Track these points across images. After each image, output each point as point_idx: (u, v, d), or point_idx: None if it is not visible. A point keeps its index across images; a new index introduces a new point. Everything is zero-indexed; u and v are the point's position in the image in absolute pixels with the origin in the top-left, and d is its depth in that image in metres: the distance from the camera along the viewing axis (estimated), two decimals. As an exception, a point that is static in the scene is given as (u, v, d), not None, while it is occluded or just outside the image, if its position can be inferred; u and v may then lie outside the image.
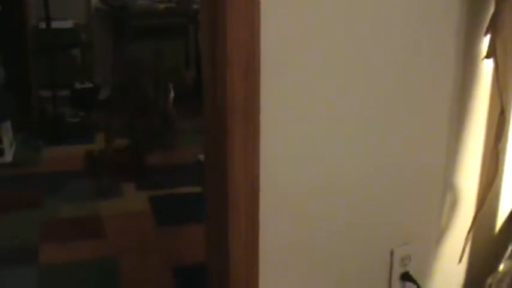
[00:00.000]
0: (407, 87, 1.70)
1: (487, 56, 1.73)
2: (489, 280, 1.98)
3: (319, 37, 1.53)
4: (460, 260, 1.95)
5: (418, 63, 1.69)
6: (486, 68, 1.81)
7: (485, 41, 1.74)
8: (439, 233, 1.92)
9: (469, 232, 1.89)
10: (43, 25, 5.06)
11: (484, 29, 1.72)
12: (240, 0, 1.39)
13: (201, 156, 4.22)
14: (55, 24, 5.07)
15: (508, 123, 1.83)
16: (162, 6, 5.79)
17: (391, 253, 1.83)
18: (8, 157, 4.19)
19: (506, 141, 1.88)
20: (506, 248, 1.99)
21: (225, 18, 1.39)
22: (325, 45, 1.55)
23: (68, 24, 5.71)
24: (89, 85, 5.59)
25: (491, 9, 1.69)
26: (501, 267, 1.98)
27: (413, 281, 1.87)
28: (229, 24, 1.39)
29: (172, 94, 4.57)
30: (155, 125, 4.50)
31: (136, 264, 2.94)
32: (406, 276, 1.87)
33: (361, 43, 1.59)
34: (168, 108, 4.62)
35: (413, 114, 1.73)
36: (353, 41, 1.58)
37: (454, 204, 1.91)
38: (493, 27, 1.68)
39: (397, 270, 1.86)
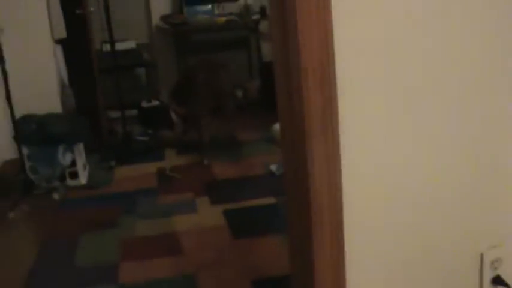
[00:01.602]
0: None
1: None
2: None
3: (393, 38, 1.49)
4: (555, 260, 1.86)
5: (496, 46, 1.62)
6: None
7: None
8: (530, 233, 1.84)
9: (563, 230, 1.80)
10: (107, 47, 5.17)
11: None
12: (311, 6, 1.36)
13: (273, 167, 4.23)
14: (118, 46, 5.19)
15: None
16: (222, 19, 5.85)
17: (481, 257, 1.77)
18: (83, 179, 4.29)
19: None
20: None
21: (296, 24, 1.37)
22: (402, 44, 1.50)
23: (131, 44, 5.84)
24: (155, 103, 5.68)
25: None
26: None
27: (506, 285, 1.80)
28: (301, 30, 1.37)
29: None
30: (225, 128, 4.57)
31: (214, 279, 2.93)
32: (497, 280, 1.80)
33: (437, 32, 1.54)
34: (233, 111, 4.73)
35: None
36: (428, 35, 1.53)
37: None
38: None
39: (488, 274, 1.79)
